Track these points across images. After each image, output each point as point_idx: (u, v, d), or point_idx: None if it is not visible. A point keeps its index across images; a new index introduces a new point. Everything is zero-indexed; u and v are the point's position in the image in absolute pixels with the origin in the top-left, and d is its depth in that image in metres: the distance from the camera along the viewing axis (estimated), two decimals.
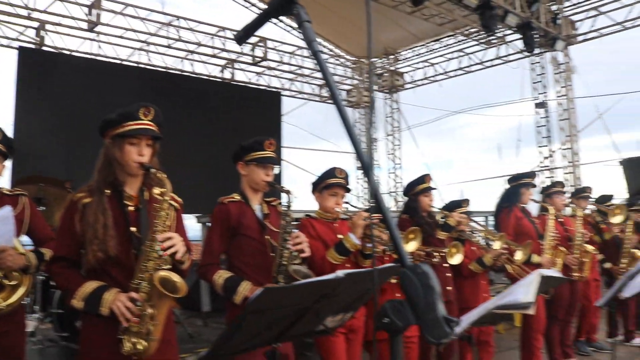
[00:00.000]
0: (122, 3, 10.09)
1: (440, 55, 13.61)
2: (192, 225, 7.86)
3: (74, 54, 10.14)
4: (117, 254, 2.25)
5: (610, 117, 11.72)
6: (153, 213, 2.30)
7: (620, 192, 11.08)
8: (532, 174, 5.15)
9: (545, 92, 11.90)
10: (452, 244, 4.19)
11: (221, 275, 2.87)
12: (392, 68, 14.52)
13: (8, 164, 3.02)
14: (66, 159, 8.56)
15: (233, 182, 3.18)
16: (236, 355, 1.69)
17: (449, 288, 4.29)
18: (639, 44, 12.56)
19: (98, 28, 9.87)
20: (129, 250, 2.29)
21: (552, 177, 11.54)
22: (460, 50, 13.14)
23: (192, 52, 11.51)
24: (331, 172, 3.48)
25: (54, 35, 9.87)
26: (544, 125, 11.89)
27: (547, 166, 11.89)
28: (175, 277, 2.23)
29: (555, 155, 11.85)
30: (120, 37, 10.49)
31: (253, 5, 11.84)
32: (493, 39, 11.96)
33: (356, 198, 12.30)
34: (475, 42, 12.46)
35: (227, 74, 12.39)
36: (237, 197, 3.04)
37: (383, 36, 13.00)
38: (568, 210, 6.00)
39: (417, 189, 4.44)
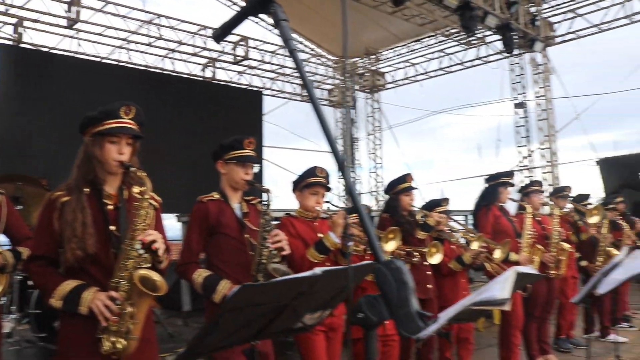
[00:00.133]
0: (103, 0, 9.97)
1: (421, 56, 13.71)
2: (172, 224, 7.84)
3: (53, 51, 10.01)
4: (96, 252, 2.24)
5: (588, 118, 11.93)
6: (133, 212, 2.29)
7: (596, 192, 11.30)
8: (510, 174, 5.22)
9: (524, 93, 12.05)
10: (432, 243, 4.23)
11: (200, 274, 2.87)
12: (373, 68, 14.58)
13: None
14: (46, 157, 8.45)
15: (213, 181, 3.18)
16: (214, 353, 1.69)
17: (430, 286, 4.33)
18: (615, 46, 12.75)
19: (78, 25, 9.76)
20: (108, 249, 2.28)
21: (531, 176, 11.69)
22: (440, 51, 13.24)
23: (173, 50, 11.43)
24: (312, 171, 3.49)
25: (32, 32, 9.72)
26: (523, 126, 12.05)
27: (526, 166, 12.05)
28: (156, 276, 2.22)
29: (534, 155, 12.01)
30: (100, 34, 10.37)
31: (234, 3, 11.80)
32: (473, 40, 12.08)
33: (337, 197, 12.33)
34: (456, 43, 12.58)
35: (208, 73, 12.34)
36: (216, 195, 3.04)
37: (364, 36, 13.05)
38: (546, 209, 6.09)
39: (398, 188, 4.47)
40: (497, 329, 4.99)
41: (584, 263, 6.11)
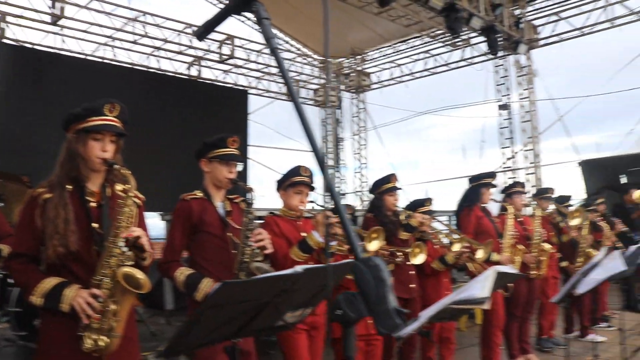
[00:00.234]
0: None
1: (407, 56, 13.78)
2: (156, 223, 7.80)
3: (36, 47, 9.90)
4: (79, 249, 2.23)
5: (570, 120, 12.05)
6: (117, 209, 2.29)
7: (578, 193, 11.43)
8: (492, 175, 5.27)
9: (508, 94, 12.15)
10: (416, 244, 4.25)
11: (182, 272, 2.86)
12: (358, 68, 14.62)
13: None
14: (28, 153, 8.35)
15: (197, 180, 3.17)
16: (195, 350, 1.70)
17: (413, 286, 4.35)
18: (597, 50, 12.89)
19: (62, 22, 9.68)
20: (90, 247, 2.28)
21: (514, 177, 11.79)
22: (426, 52, 13.33)
23: (158, 48, 11.37)
24: (296, 171, 3.50)
25: (15, 28, 9.62)
26: (507, 127, 12.15)
27: (510, 167, 12.15)
28: (139, 274, 2.22)
29: (518, 157, 12.12)
30: (85, 31, 10.29)
31: (220, 2, 11.76)
32: (458, 41, 12.17)
33: (321, 197, 12.31)
34: (441, 44, 12.67)
35: (193, 72, 12.30)
36: (199, 194, 3.04)
37: (350, 36, 13.09)
38: (528, 210, 6.16)
39: (383, 188, 4.48)
40: (479, 329, 5.03)
41: (564, 264, 6.19)
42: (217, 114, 11.19)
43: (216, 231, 2.95)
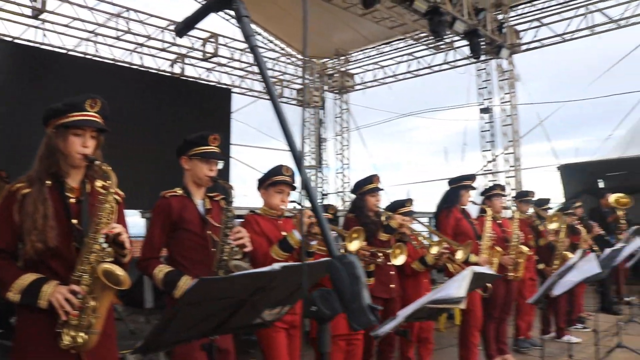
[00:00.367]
0: None
1: (390, 58, 13.83)
2: (136, 221, 7.73)
3: (16, 41, 9.76)
4: (57, 245, 2.22)
5: (550, 125, 12.22)
6: (97, 205, 2.28)
7: (557, 197, 11.59)
8: (471, 177, 5.32)
9: (490, 98, 12.28)
10: (396, 245, 4.27)
11: (161, 270, 2.85)
12: (342, 69, 14.66)
13: None
14: (4, 147, 8.23)
15: (179, 178, 3.16)
16: (172, 347, 1.70)
17: (393, 286, 4.38)
18: (577, 56, 13.09)
19: (43, 16, 9.54)
20: (69, 243, 2.26)
21: (495, 180, 11.89)
22: (409, 54, 13.40)
23: (141, 45, 11.28)
24: (278, 170, 3.50)
25: None
26: (488, 130, 12.28)
27: (490, 170, 12.27)
28: (119, 270, 2.22)
29: (498, 160, 12.24)
30: (67, 26, 10.16)
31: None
32: (441, 45, 12.26)
33: (301, 196, 12.30)
34: (425, 47, 12.74)
35: (177, 69, 12.22)
36: (179, 191, 3.04)
37: (334, 37, 13.12)
38: (508, 213, 6.23)
39: (365, 188, 4.50)
40: (458, 329, 5.08)
41: (541, 266, 6.28)
42: (200, 112, 11.13)
43: (196, 229, 2.94)
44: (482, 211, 5.44)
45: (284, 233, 3.39)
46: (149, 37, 11.09)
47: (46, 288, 2.16)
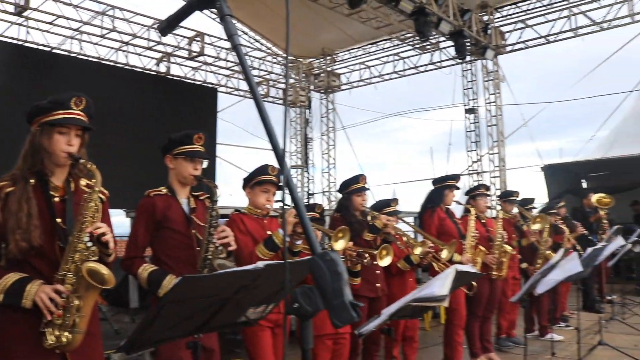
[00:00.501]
0: None
1: (377, 58, 13.85)
2: (121, 220, 7.68)
3: None
4: (42, 244, 2.20)
5: (535, 126, 12.34)
6: (82, 204, 2.27)
7: (541, 196, 11.72)
8: (455, 177, 5.35)
9: (475, 99, 12.34)
10: (383, 246, 4.27)
11: (146, 269, 2.85)
12: (328, 69, 14.67)
13: None
14: None
15: (164, 177, 3.15)
16: (156, 345, 1.69)
17: (378, 285, 4.39)
18: (561, 57, 13.24)
19: (26, 13, 9.43)
20: (53, 242, 2.25)
21: (480, 180, 11.97)
22: (395, 54, 13.44)
23: (126, 43, 11.19)
24: (263, 169, 3.50)
25: None
26: (473, 131, 12.34)
27: (476, 170, 12.36)
28: (104, 269, 2.21)
29: (483, 160, 12.33)
30: (51, 23, 10.05)
31: None
32: (427, 45, 12.32)
33: (282, 194, 12.28)
34: (411, 47, 12.79)
35: (162, 68, 12.15)
36: (164, 190, 3.03)
37: (321, 37, 13.12)
38: (493, 212, 6.28)
39: (351, 188, 4.50)
40: (443, 328, 5.12)
41: (524, 265, 6.34)
42: (186, 111, 11.07)
43: (180, 228, 2.94)
44: (467, 211, 5.49)
45: (269, 232, 3.39)
46: (134, 36, 11.01)
47: (30, 287, 2.14)
